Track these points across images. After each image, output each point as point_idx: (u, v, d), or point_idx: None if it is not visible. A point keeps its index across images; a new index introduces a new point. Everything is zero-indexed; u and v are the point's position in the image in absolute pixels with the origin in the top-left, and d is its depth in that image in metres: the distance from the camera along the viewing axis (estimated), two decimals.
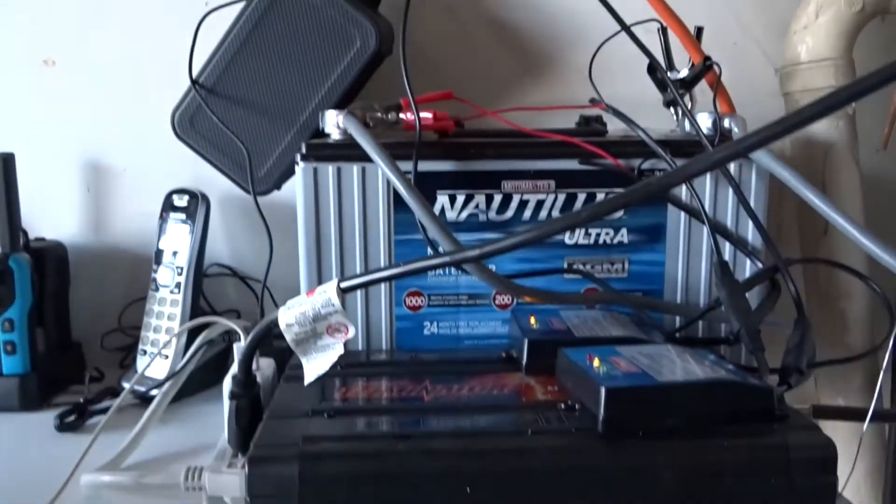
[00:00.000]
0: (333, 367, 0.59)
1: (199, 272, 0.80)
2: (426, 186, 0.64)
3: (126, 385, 0.78)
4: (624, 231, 0.68)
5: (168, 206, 0.80)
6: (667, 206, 0.68)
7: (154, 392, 0.76)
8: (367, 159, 0.62)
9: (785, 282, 0.63)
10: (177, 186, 0.81)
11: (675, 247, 0.68)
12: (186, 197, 0.80)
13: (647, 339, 0.58)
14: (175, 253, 0.79)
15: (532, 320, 0.61)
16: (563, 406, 0.50)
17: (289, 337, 0.52)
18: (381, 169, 0.61)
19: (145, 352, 0.79)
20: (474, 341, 0.68)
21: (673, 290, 0.69)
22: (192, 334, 0.79)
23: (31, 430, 0.71)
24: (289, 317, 0.51)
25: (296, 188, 0.66)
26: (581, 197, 0.66)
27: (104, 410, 0.73)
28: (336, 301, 0.50)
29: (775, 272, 0.64)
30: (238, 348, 0.60)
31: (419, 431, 0.47)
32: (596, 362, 0.50)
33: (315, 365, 0.53)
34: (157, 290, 0.80)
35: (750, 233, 0.69)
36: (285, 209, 0.86)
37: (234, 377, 0.56)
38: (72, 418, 0.71)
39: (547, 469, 0.44)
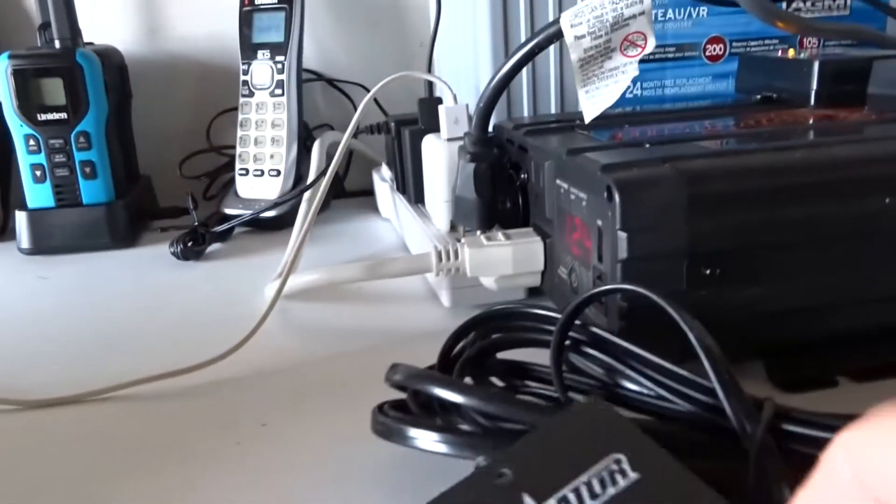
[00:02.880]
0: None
1: (301, 68, 0.65)
2: None
3: (228, 210, 0.64)
4: None
5: None
6: None
7: (268, 213, 0.63)
8: None
9: None
10: None
11: None
12: None
13: None
14: (271, 46, 0.64)
15: (790, 52, 0.50)
16: None
17: (575, 55, 0.39)
18: None
19: (246, 171, 0.65)
20: (683, 103, 0.57)
21: None
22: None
23: (142, 264, 0.57)
24: (580, 24, 0.38)
25: None
26: None
27: (219, 236, 0.60)
28: None
29: None
30: (445, 109, 0.48)
31: (799, 143, 0.36)
32: None
33: (599, 96, 0.41)
34: (251, 94, 0.65)
35: None
36: None
37: (469, 135, 0.43)
38: (190, 244, 0.57)
39: None
